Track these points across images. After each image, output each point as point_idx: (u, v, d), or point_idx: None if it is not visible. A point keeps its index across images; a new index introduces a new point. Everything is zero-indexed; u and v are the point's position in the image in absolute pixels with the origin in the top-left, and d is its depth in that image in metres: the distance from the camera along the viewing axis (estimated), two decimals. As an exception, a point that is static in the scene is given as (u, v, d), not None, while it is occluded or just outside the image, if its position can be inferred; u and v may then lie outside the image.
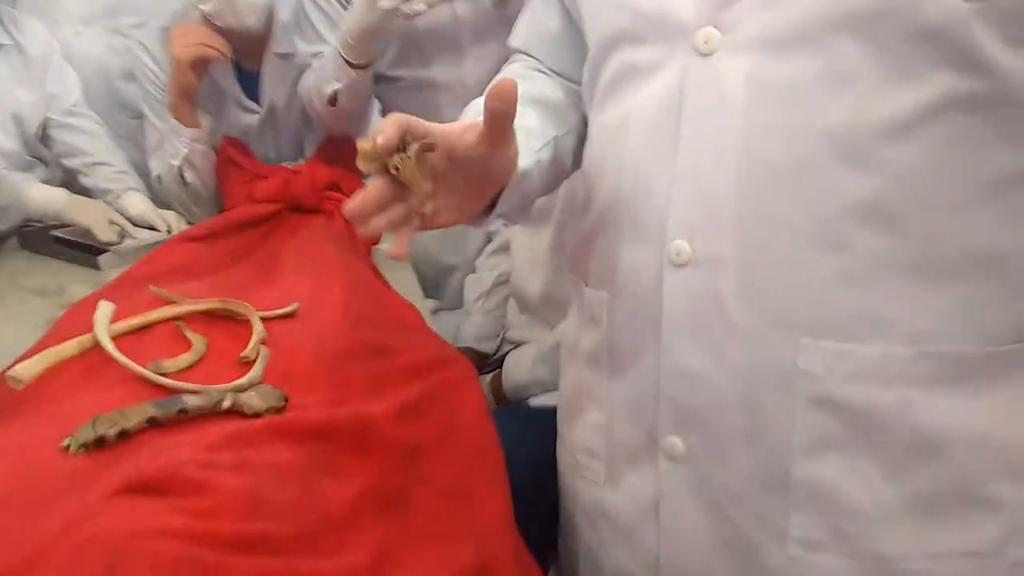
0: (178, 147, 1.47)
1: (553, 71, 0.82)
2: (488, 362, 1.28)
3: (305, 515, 0.59)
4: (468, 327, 1.33)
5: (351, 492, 0.64)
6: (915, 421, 0.60)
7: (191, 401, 0.69)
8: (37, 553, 0.52)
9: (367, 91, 1.41)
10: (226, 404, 0.70)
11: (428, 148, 0.60)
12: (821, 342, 0.60)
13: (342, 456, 0.68)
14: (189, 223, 1.46)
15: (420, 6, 1.20)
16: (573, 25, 0.77)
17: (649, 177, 0.64)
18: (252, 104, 1.55)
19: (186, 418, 0.68)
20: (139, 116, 1.61)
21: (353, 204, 0.61)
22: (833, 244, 0.58)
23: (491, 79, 0.84)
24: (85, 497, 0.57)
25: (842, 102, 0.56)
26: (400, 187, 0.60)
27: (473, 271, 1.42)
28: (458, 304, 1.44)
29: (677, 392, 0.65)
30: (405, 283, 1.30)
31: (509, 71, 0.84)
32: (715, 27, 0.60)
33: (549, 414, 0.88)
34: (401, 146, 0.59)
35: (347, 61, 1.31)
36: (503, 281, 1.32)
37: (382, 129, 0.59)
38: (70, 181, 1.59)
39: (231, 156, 1.48)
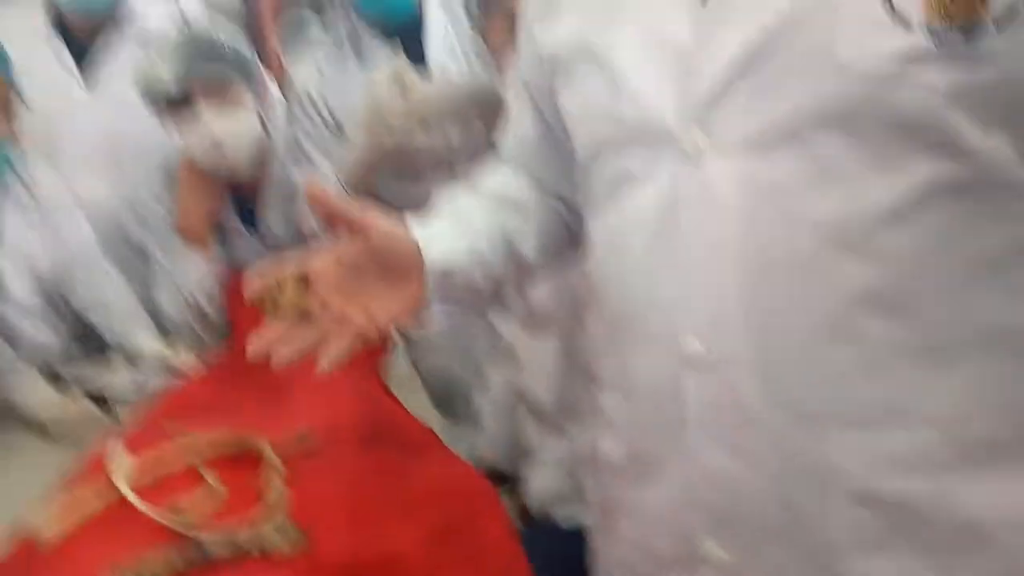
0: (192, 275, 1.49)
1: (531, 171, 0.84)
2: (508, 477, 1.26)
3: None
4: (484, 442, 1.32)
5: (383, 632, 0.62)
6: (956, 509, 0.59)
7: (213, 546, 0.68)
8: None
9: (367, 217, 1.45)
10: (248, 547, 0.69)
11: (302, 279, 0.70)
12: (849, 434, 0.59)
13: (371, 594, 0.67)
14: (200, 355, 1.47)
15: (425, 138, 1.25)
16: (549, 131, 0.79)
17: (654, 280, 0.65)
18: (255, 239, 1.59)
19: (209, 564, 0.67)
20: (144, 252, 1.65)
21: (254, 345, 0.71)
22: (844, 335, 0.58)
23: None
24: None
25: (831, 195, 0.57)
26: (298, 318, 0.70)
27: (484, 383, 1.42)
28: (472, 419, 1.43)
29: (708, 495, 0.64)
30: (417, 403, 1.30)
31: (489, 168, 0.88)
32: (700, 132, 0.61)
33: (576, 533, 0.86)
34: (277, 288, 0.70)
35: (348, 193, 1.35)
36: (515, 391, 1.31)
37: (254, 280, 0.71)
38: (82, 326, 1.61)
39: (236, 286, 1.50)
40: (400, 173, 1.43)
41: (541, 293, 1.19)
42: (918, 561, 0.60)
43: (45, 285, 1.52)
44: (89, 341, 1.60)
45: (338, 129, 1.45)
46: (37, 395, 1.28)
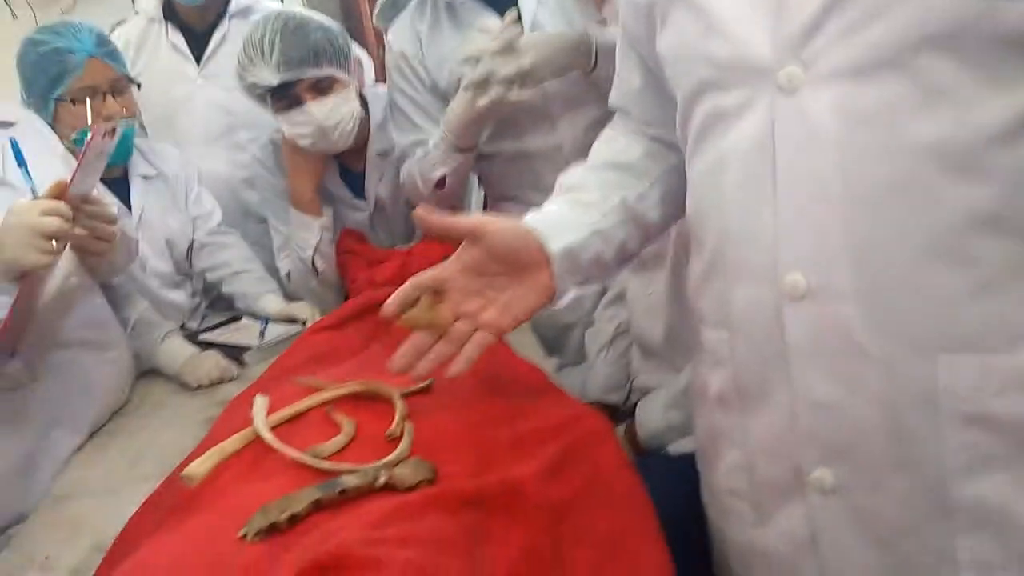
0: (308, 238, 1.56)
1: (647, 122, 0.86)
2: (619, 413, 1.28)
3: (472, 582, 0.61)
4: (594, 380, 1.34)
5: (512, 556, 0.65)
6: None
7: (350, 481, 0.73)
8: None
9: (469, 170, 1.47)
10: (381, 481, 0.73)
11: (434, 292, 0.79)
12: (961, 357, 0.58)
13: (496, 522, 0.70)
14: (322, 312, 1.55)
15: (526, 94, 1.26)
16: (655, 78, 0.80)
17: (753, 215, 0.65)
18: (361, 203, 1.64)
19: (347, 498, 0.72)
20: (264, 221, 1.74)
21: (396, 361, 0.81)
22: (957, 258, 0.57)
23: (584, 138, 0.91)
24: (269, 582, 0.61)
25: (939, 117, 0.56)
26: (433, 330, 0.79)
27: (591, 325, 1.43)
28: (580, 359, 1.45)
29: (816, 425, 0.65)
30: (524, 345, 1.32)
31: (600, 139, 0.91)
32: (796, 65, 0.61)
33: (689, 461, 0.88)
34: (412, 302, 0.79)
35: (456, 146, 1.37)
36: (623, 331, 1.32)
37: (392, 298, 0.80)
38: (210, 289, 1.72)
39: (349, 247, 1.57)
40: (501, 132, 1.45)
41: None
42: None
43: (175, 254, 1.63)
44: (219, 302, 1.72)
45: (435, 88, 1.47)
46: (177, 353, 1.38)
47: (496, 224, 0.78)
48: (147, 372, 1.40)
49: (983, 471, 0.59)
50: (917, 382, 0.59)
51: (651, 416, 1.16)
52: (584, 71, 1.33)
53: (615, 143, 0.88)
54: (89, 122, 1.35)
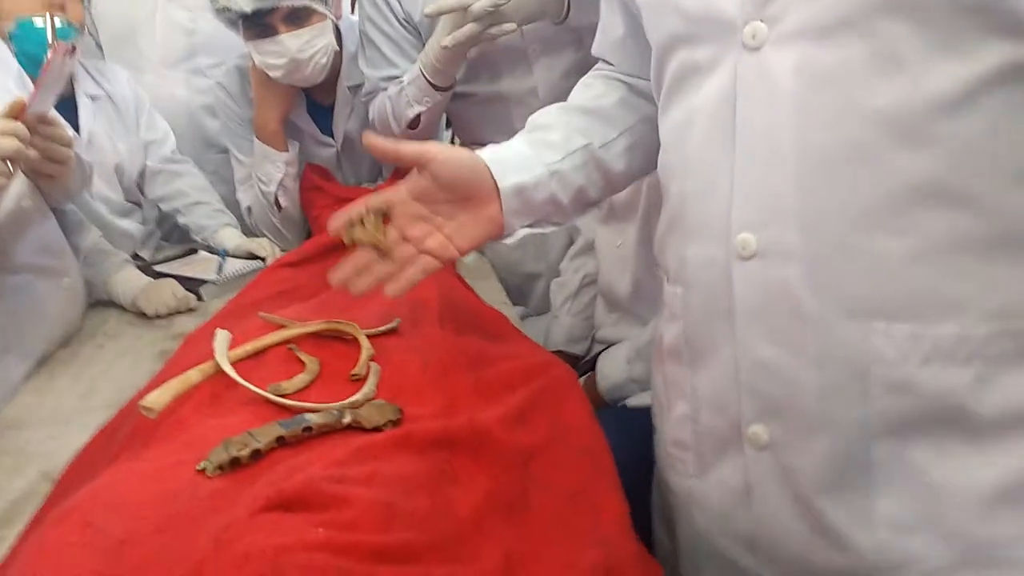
0: (272, 173, 1.52)
1: (627, 73, 0.86)
2: (579, 364, 1.29)
3: (437, 523, 0.61)
4: (557, 331, 1.34)
5: (476, 498, 0.66)
6: (997, 399, 0.59)
7: (314, 419, 0.72)
8: (195, 572, 0.55)
9: (443, 110, 1.44)
10: (346, 420, 0.73)
11: (381, 213, 0.78)
12: (894, 326, 0.60)
13: (462, 464, 0.70)
14: (282, 250, 1.51)
15: (510, 26, 1.23)
16: (638, 26, 0.79)
17: (711, 173, 0.66)
18: (328, 139, 1.59)
19: (311, 436, 0.71)
20: (224, 151, 1.68)
21: (335, 275, 0.79)
22: (899, 226, 0.58)
23: (560, 84, 0.90)
24: (230, 515, 0.60)
25: (893, 83, 0.57)
26: (378, 250, 0.78)
27: (557, 275, 1.43)
28: (545, 309, 1.46)
29: (756, 382, 0.66)
30: (490, 291, 1.32)
31: (580, 83, 0.90)
32: (761, 21, 0.61)
33: (645, 414, 0.89)
34: (360, 220, 0.78)
35: (433, 84, 1.34)
36: (589, 282, 1.33)
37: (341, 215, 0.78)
38: (164, 219, 1.67)
39: (315, 183, 1.54)
40: (476, 72, 1.42)
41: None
42: (955, 445, 0.61)
43: (124, 181, 1.57)
44: (175, 232, 1.67)
45: (408, 20, 1.43)
46: (132, 283, 1.34)
47: (443, 153, 0.77)
48: (100, 302, 1.36)
49: (902, 435, 0.61)
50: (850, 346, 0.61)
51: (613, 369, 1.17)
52: (554, 19, 1.30)
53: (592, 88, 0.88)
54: (49, 39, 1.27)
